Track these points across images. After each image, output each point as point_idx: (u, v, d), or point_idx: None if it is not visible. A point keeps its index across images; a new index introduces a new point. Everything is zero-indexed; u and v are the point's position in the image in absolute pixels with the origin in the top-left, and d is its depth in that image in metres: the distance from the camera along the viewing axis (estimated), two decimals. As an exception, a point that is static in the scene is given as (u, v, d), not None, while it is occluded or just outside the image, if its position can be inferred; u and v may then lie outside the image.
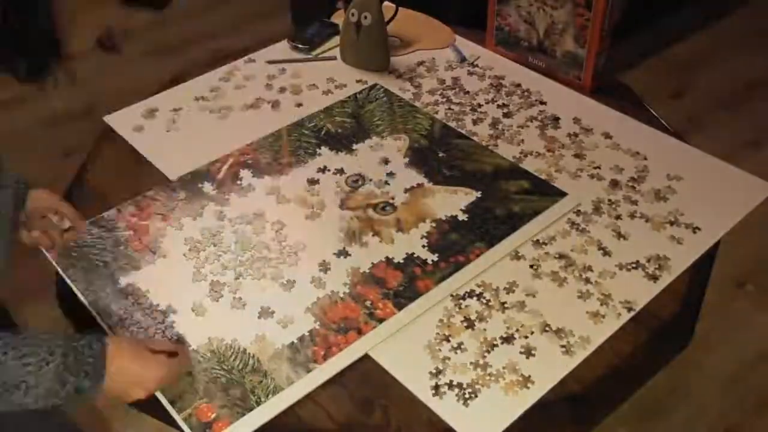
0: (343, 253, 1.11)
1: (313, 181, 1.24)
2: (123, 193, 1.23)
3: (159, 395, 0.92)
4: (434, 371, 0.95)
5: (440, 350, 0.97)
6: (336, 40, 1.56)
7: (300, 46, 1.56)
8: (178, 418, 0.90)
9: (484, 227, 1.14)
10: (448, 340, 0.98)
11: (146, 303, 1.04)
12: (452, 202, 1.19)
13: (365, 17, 1.42)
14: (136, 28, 2.95)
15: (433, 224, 1.15)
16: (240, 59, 1.55)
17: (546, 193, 1.20)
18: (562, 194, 1.19)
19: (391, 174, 1.25)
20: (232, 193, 1.22)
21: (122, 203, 1.20)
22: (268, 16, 3.00)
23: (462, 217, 1.16)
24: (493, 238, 1.12)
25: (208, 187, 1.23)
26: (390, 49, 1.51)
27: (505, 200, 1.19)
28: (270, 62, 1.53)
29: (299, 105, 1.42)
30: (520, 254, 1.09)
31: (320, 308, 1.03)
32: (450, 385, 0.93)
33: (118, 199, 1.21)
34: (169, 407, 0.91)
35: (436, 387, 0.93)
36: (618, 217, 1.15)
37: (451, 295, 1.04)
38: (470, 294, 1.04)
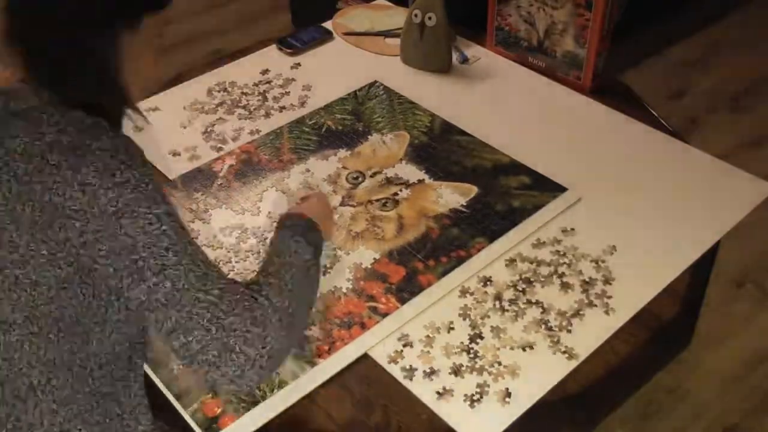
0: (345, 249, 1.11)
1: (314, 178, 1.24)
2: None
3: (165, 391, 0.92)
4: (434, 371, 0.95)
5: (440, 350, 0.97)
6: (326, 45, 1.58)
7: (286, 50, 1.56)
8: (185, 413, 0.90)
9: (485, 222, 1.14)
10: (448, 341, 0.98)
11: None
12: (453, 197, 1.19)
13: (429, 18, 1.42)
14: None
15: (435, 220, 1.15)
16: (239, 59, 1.55)
17: (546, 188, 1.20)
18: (562, 189, 1.19)
19: (392, 170, 1.25)
20: (234, 190, 1.22)
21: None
22: (268, 16, 3.00)
23: (463, 212, 1.16)
24: (494, 233, 1.12)
25: (210, 185, 1.23)
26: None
27: (506, 195, 1.19)
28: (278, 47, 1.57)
29: (300, 103, 1.42)
30: (522, 254, 1.09)
31: (324, 304, 1.03)
32: (450, 385, 0.93)
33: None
34: (175, 402, 0.92)
35: (436, 387, 0.93)
36: (618, 217, 1.15)
37: (452, 294, 1.04)
38: (471, 293, 1.04)
